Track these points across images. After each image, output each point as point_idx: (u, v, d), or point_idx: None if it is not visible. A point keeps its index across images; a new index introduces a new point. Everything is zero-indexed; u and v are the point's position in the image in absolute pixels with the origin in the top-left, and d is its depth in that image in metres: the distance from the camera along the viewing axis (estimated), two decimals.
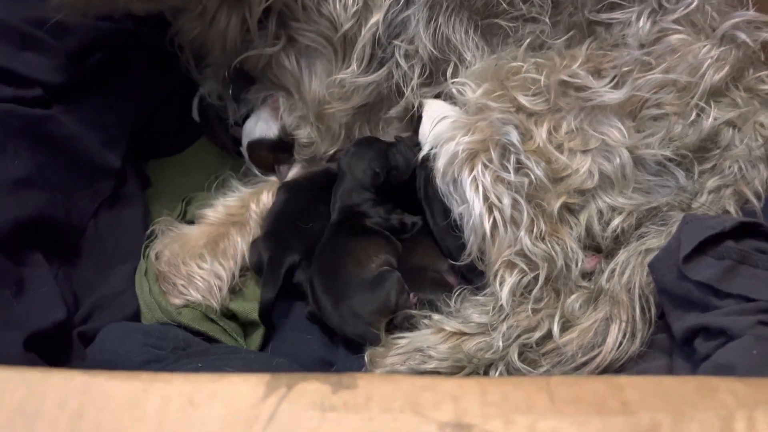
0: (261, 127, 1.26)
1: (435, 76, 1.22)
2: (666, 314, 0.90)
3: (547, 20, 1.11)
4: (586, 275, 1.02)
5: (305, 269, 1.13)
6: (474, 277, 1.07)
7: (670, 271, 0.87)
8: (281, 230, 1.18)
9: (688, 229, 0.87)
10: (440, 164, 1.04)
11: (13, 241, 1.03)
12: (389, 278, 1.05)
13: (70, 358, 1.01)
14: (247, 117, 1.31)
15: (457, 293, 1.06)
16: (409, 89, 1.21)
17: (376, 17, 1.17)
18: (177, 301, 1.09)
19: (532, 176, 1.00)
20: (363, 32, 1.19)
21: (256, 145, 1.27)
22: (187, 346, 0.97)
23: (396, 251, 1.13)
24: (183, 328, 1.06)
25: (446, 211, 1.08)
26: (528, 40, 1.11)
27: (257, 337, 1.11)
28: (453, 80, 1.11)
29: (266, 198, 1.25)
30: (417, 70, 1.20)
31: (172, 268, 1.11)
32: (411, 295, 1.06)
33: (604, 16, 1.08)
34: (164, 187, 1.35)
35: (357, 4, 1.16)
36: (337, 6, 1.16)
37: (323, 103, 1.24)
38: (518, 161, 1.01)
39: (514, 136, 1.01)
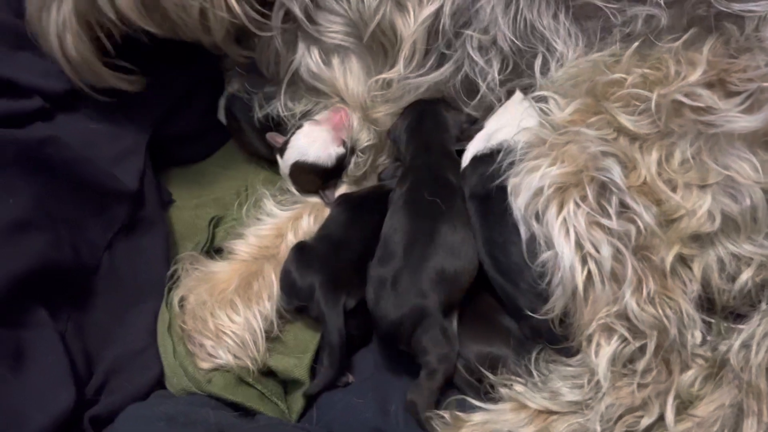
0: (317, 149, 1.06)
1: (519, 70, 1.01)
2: None
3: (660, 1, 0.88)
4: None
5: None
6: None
7: None
8: (339, 266, 0.97)
9: None
10: (521, 202, 0.84)
11: (10, 301, 0.87)
12: None
13: None
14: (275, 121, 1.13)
15: (538, 353, 0.88)
16: (485, 85, 1.01)
17: (430, 9, 0.97)
18: (205, 365, 0.93)
19: (640, 223, 0.80)
20: (412, 27, 0.99)
21: (306, 168, 1.08)
22: (219, 431, 0.81)
23: None
24: (215, 398, 0.90)
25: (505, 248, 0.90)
26: (634, 33, 0.89)
27: (300, 397, 0.95)
28: (534, 94, 0.90)
29: (306, 223, 1.07)
30: (496, 65, 1.00)
31: (199, 322, 0.95)
32: None
33: (737, 6, 0.84)
34: (188, 201, 1.17)
35: None
36: (355, 3, 0.98)
37: (367, 108, 1.06)
38: (622, 203, 0.81)
39: (616, 172, 0.80)
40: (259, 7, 0.99)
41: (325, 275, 0.95)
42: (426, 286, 0.89)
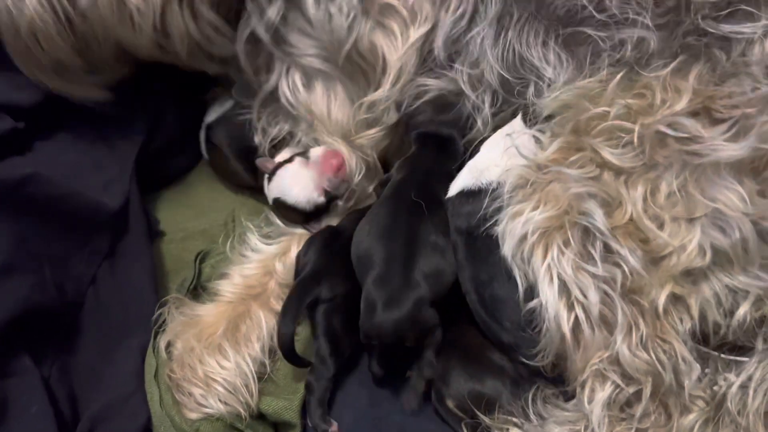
0: (296, 193, 1.04)
1: (510, 101, 0.99)
2: None
3: (648, 21, 0.85)
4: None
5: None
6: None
7: None
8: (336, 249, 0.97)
9: None
10: (507, 249, 0.82)
11: None
12: None
13: None
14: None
15: (533, 393, 0.86)
16: (480, 120, 1.00)
17: (420, 31, 0.95)
18: (194, 416, 0.91)
19: (626, 267, 0.77)
20: (400, 50, 0.96)
21: (286, 206, 1.06)
22: None
23: None
24: None
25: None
26: (624, 58, 0.87)
27: None
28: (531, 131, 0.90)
29: (295, 255, 1.04)
30: (487, 99, 0.98)
31: (188, 370, 0.92)
32: None
33: (727, 27, 0.80)
34: (175, 234, 1.15)
35: (349, 15, 0.95)
36: (330, 21, 0.95)
37: (349, 135, 1.04)
38: (606, 247, 0.78)
39: (599, 216, 0.77)
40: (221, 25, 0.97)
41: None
42: (419, 279, 0.88)
